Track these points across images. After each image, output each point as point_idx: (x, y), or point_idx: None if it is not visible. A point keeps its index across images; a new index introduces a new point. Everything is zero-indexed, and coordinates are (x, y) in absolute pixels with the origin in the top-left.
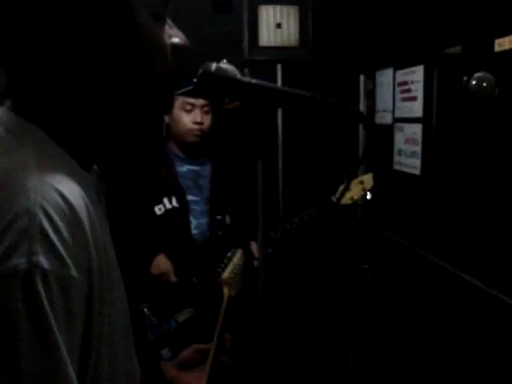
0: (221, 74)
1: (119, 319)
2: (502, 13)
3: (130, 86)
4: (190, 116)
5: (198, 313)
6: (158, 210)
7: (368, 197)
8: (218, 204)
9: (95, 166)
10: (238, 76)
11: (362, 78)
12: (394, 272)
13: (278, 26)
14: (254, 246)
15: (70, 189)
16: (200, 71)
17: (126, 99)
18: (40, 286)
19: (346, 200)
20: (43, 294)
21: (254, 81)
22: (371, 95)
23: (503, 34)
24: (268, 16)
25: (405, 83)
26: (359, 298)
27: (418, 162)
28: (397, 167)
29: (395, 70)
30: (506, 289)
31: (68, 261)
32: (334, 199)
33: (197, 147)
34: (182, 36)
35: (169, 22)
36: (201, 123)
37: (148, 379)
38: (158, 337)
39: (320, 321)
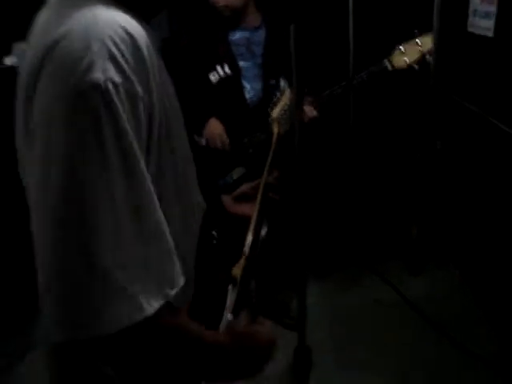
0: None
1: (179, 142)
2: None
3: None
4: None
5: (250, 170)
6: (213, 76)
7: (427, 59)
8: (271, 68)
9: None
10: None
11: None
12: (464, 138)
13: None
14: (305, 106)
15: (133, 27)
16: None
17: None
18: (114, 93)
19: (400, 64)
20: (117, 100)
21: None
22: None
23: None
24: None
25: None
26: (428, 162)
27: (491, 24)
28: (470, 29)
29: None
30: None
31: (133, 78)
32: (386, 63)
33: (235, 19)
34: None
35: None
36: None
37: (211, 209)
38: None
39: (387, 186)
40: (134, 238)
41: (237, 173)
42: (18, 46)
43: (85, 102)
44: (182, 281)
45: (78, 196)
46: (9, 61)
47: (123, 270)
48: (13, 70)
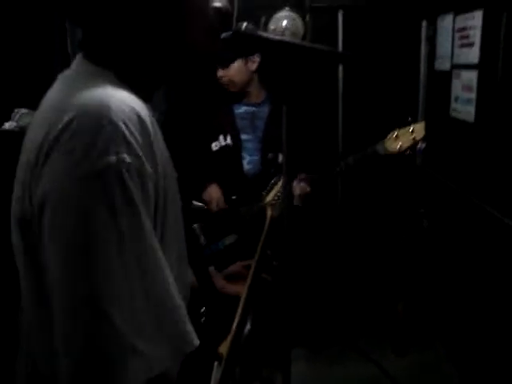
0: (249, 32)
1: (174, 221)
2: None
3: (178, 38)
4: (219, 71)
5: (242, 239)
6: (215, 146)
7: (418, 147)
8: (270, 143)
9: None
10: (263, 33)
11: (423, 23)
12: (450, 217)
13: None
14: (295, 184)
15: (139, 106)
16: (232, 30)
17: (175, 47)
18: (125, 174)
19: (393, 148)
20: (128, 180)
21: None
22: (432, 41)
23: None
24: None
25: (464, 29)
26: (415, 240)
27: (472, 110)
28: (453, 114)
29: (456, 14)
30: None
31: (143, 158)
32: (379, 147)
33: (239, 94)
34: (224, 1)
35: None
36: (223, 76)
37: (201, 286)
38: (206, 256)
39: (374, 264)
40: (146, 304)
41: (230, 239)
42: (19, 112)
43: (100, 184)
44: (195, 340)
45: (93, 268)
46: (8, 126)
47: (139, 334)
48: (11, 134)
